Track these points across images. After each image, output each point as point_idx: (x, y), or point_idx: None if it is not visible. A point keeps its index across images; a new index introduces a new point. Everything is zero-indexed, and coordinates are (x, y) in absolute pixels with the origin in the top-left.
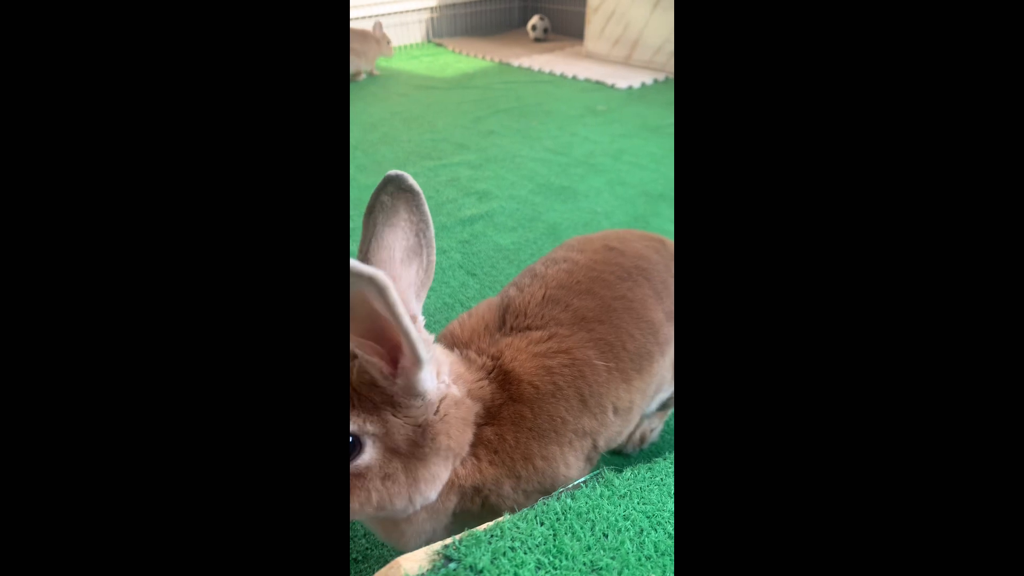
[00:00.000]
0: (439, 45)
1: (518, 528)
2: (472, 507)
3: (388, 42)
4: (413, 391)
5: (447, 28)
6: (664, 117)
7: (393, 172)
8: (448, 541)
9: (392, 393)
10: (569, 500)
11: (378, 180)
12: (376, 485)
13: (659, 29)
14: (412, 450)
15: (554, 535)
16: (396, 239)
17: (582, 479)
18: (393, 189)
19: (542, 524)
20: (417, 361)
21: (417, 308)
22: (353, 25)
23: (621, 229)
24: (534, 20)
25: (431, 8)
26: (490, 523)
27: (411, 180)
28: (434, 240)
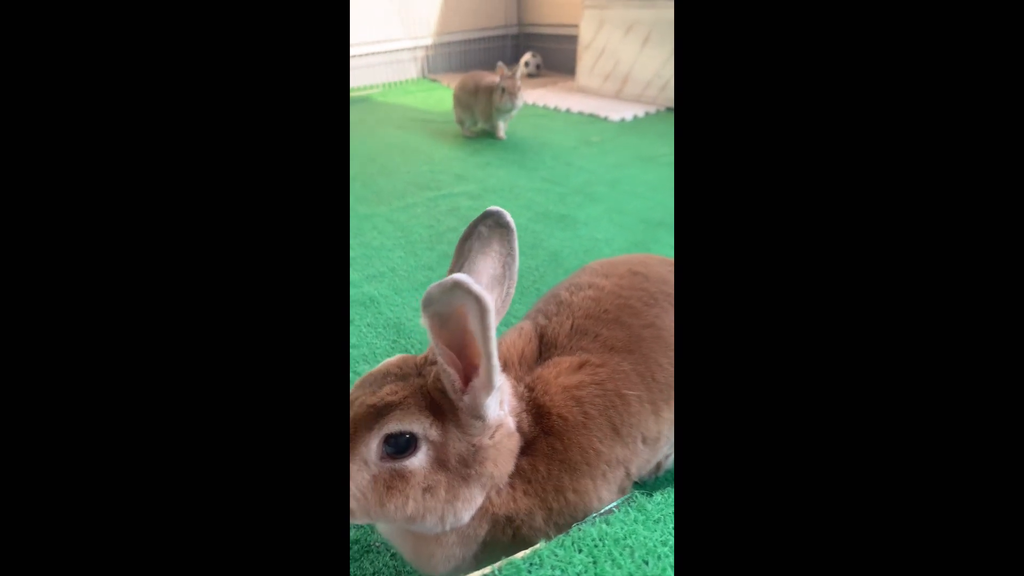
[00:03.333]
0: (434, 81)
1: (557, 556)
2: (503, 538)
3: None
4: (476, 412)
5: (442, 64)
6: (658, 147)
7: (493, 208)
8: (487, 570)
9: (459, 407)
10: (605, 526)
11: (376, 210)
12: (416, 494)
13: (649, 64)
14: (459, 468)
15: (594, 562)
16: (486, 266)
17: (614, 503)
18: (492, 223)
19: (580, 551)
20: (489, 386)
21: None
22: (481, 80)
23: (640, 253)
24: (526, 57)
25: (426, 47)
26: (527, 551)
27: (508, 217)
28: (516, 274)
